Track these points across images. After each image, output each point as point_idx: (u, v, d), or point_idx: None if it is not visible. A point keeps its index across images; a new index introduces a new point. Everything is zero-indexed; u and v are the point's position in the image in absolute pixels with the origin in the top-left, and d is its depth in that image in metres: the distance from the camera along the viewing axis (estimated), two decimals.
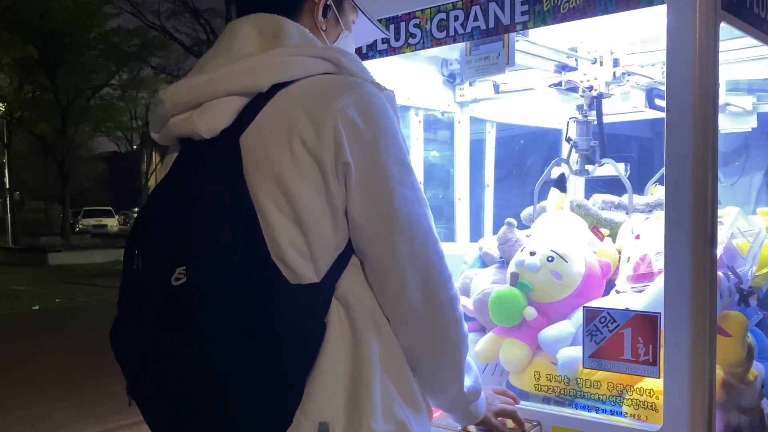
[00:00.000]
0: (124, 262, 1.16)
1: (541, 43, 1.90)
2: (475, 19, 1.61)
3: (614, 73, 1.95)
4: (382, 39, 1.77)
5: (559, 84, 1.99)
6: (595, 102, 1.98)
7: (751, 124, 2.43)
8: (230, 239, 1.04)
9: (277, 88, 1.10)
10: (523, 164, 2.91)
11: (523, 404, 1.59)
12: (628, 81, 1.99)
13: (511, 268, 1.75)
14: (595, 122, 2.06)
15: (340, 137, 1.06)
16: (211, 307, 1.02)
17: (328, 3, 1.25)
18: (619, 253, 1.82)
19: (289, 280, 1.04)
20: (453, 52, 2.12)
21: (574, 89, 1.99)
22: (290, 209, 1.06)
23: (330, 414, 1.05)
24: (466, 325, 1.20)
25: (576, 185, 2.58)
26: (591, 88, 1.96)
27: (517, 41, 1.77)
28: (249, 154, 1.08)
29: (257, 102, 1.10)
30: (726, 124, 2.41)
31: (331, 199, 1.07)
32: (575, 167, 2.08)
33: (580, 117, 2.05)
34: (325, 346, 1.06)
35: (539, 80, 2.09)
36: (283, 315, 1.03)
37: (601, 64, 1.97)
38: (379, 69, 1.81)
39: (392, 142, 1.11)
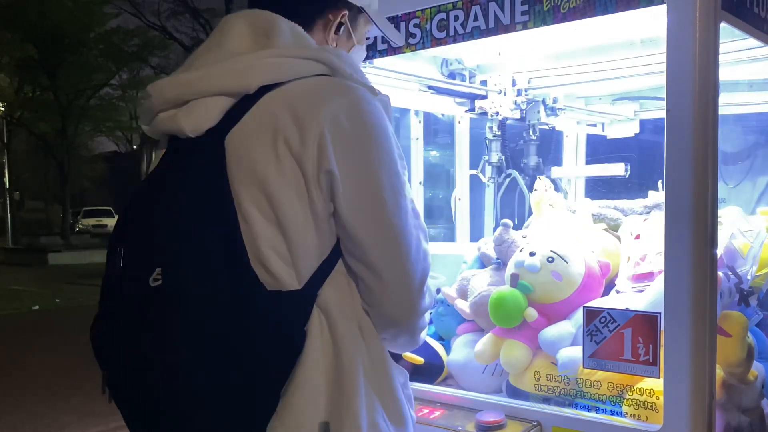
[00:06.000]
0: (107, 259, 1.14)
1: (389, 68, 1.97)
2: (475, 19, 1.61)
3: (516, 101, 2.27)
4: (382, 39, 1.77)
5: (473, 109, 2.27)
6: (501, 124, 2.35)
7: (633, 130, 2.53)
8: (209, 241, 1.02)
9: (265, 89, 1.08)
10: None
11: (523, 404, 1.59)
12: (532, 105, 2.29)
13: (511, 269, 1.74)
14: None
15: (324, 143, 1.03)
16: (186, 310, 1.00)
17: (343, 21, 1.23)
18: None
19: (267, 285, 1.02)
20: (453, 51, 2.12)
21: (485, 113, 2.28)
22: (272, 214, 1.03)
23: (309, 425, 1.04)
24: (428, 315, 1.24)
25: (576, 186, 2.59)
26: (498, 113, 2.28)
27: (364, 68, 1.79)
28: (233, 156, 1.05)
29: (244, 103, 1.08)
30: (611, 132, 2.59)
31: (314, 207, 1.04)
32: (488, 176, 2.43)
33: (490, 136, 2.39)
34: (305, 355, 1.04)
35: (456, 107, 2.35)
36: (260, 321, 1.01)
37: (505, 94, 2.26)
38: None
39: (383, 150, 1.09)
